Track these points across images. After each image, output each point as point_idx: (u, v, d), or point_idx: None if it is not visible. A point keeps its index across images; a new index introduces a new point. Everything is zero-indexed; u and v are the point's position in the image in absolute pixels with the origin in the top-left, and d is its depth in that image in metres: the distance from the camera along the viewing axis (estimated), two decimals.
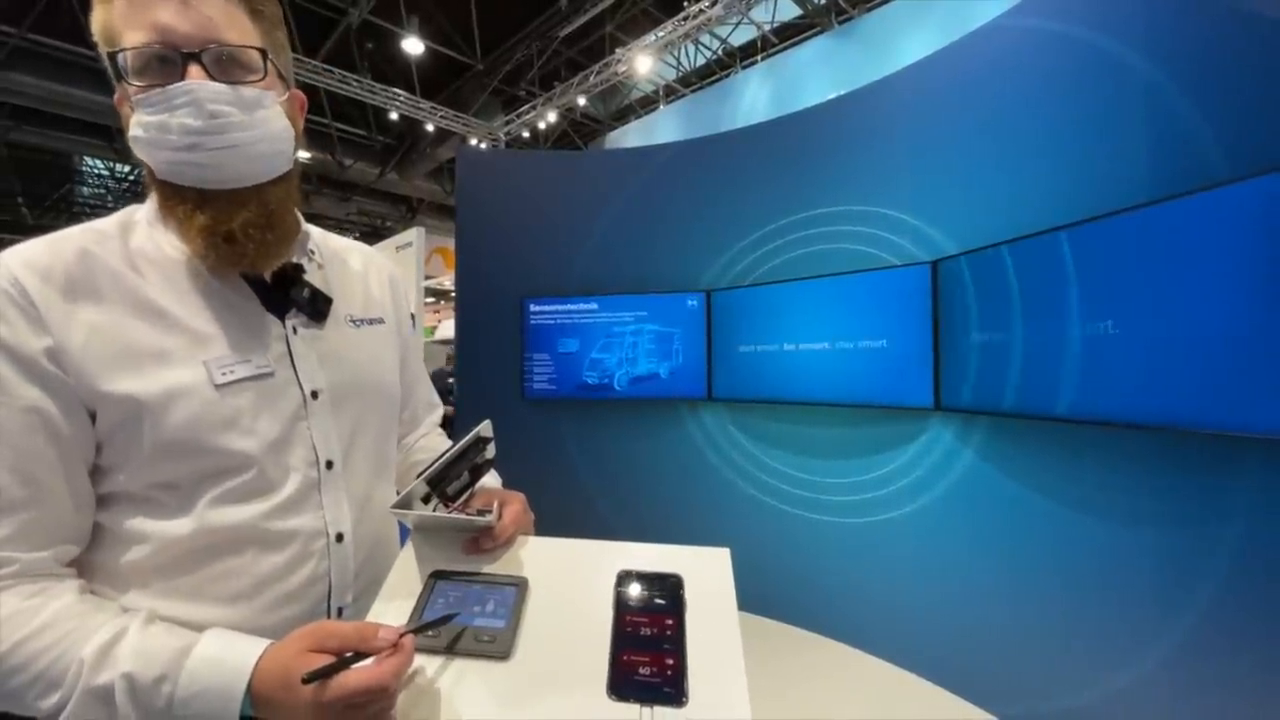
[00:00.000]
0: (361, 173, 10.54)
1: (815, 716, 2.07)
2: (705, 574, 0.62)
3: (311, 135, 9.51)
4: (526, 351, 3.18)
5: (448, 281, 9.50)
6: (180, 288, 0.62)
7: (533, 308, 3.17)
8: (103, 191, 11.86)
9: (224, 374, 0.60)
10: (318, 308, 0.70)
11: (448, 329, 6.78)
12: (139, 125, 0.57)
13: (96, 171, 11.23)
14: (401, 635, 0.51)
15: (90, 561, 0.59)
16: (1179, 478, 1.54)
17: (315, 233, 0.78)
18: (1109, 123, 1.71)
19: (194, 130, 0.56)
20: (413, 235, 5.70)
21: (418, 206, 12.38)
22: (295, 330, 0.68)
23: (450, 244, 3.49)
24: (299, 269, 0.70)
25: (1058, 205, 1.81)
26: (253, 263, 0.63)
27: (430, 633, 0.56)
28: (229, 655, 0.51)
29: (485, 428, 0.68)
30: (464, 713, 0.51)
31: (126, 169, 10.70)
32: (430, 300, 11.97)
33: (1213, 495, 1.47)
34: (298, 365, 0.67)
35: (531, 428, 3.16)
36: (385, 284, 0.84)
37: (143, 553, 0.58)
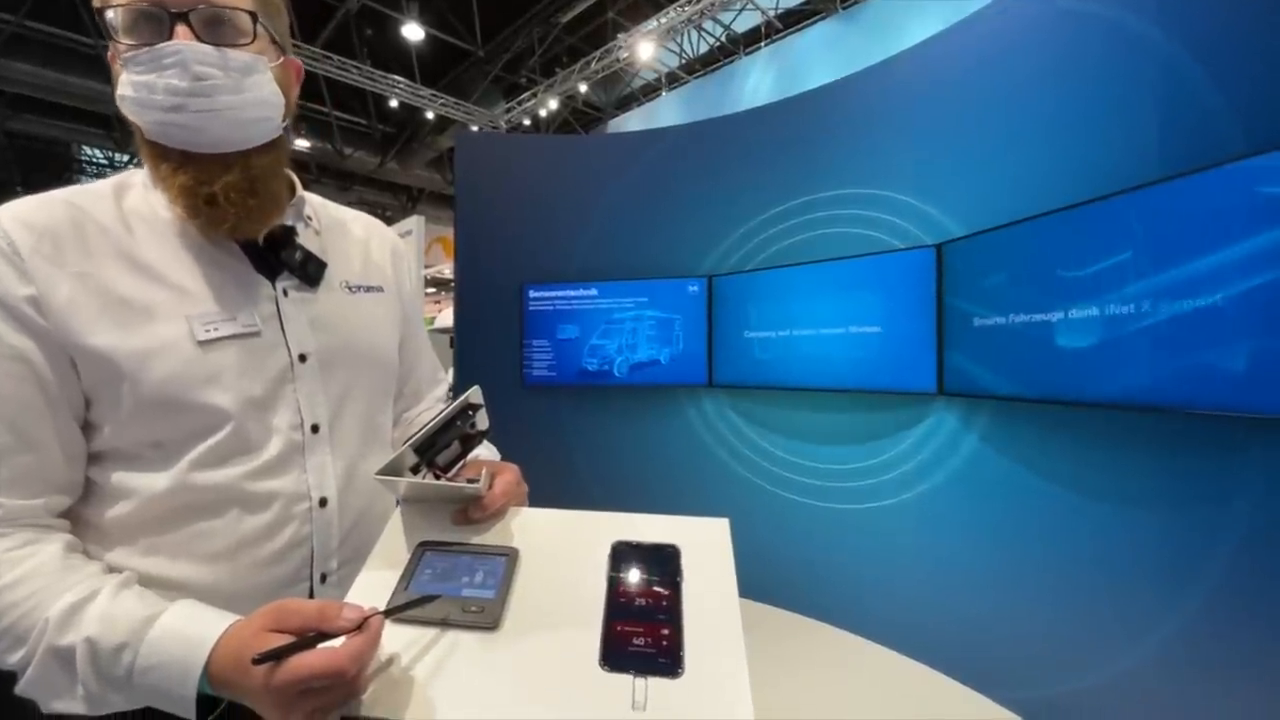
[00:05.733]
0: (361, 162, 10.48)
1: (815, 702, 2.06)
2: (703, 545, 0.59)
3: (311, 124, 9.45)
4: (526, 338, 3.16)
5: (448, 270, 9.47)
6: (170, 246, 0.61)
7: (532, 294, 3.15)
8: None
9: (207, 330, 0.59)
10: (309, 271, 0.69)
11: (447, 318, 6.76)
12: (127, 84, 0.57)
13: (95, 160, 11.19)
14: (368, 616, 0.48)
15: (80, 516, 0.59)
16: (1186, 460, 1.52)
17: (314, 200, 0.77)
18: (1118, 99, 1.67)
19: (179, 91, 0.56)
20: (413, 224, 5.66)
21: (418, 196, 12.33)
22: (286, 293, 0.67)
23: (450, 233, 3.47)
24: (290, 231, 0.69)
25: (1065, 185, 1.77)
26: (234, 227, 0.62)
27: (403, 585, 0.54)
28: (191, 629, 0.49)
29: (474, 394, 0.65)
30: (450, 683, 0.48)
31: (126, 158, 10.65)
32: (431, 291, 11.95)
33: (1220, 477, 1.45)
34: (286, 327, 0.65)
35: (531, 415, 3.14)
36: (387, 253, 0.83)
37: (127, 508, 0.57)
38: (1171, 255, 1.44)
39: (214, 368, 0.59)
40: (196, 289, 0.60)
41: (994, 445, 2.07)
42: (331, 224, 0.77)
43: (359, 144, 10.30)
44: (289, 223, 0.69)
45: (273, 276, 0.66)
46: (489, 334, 3.19)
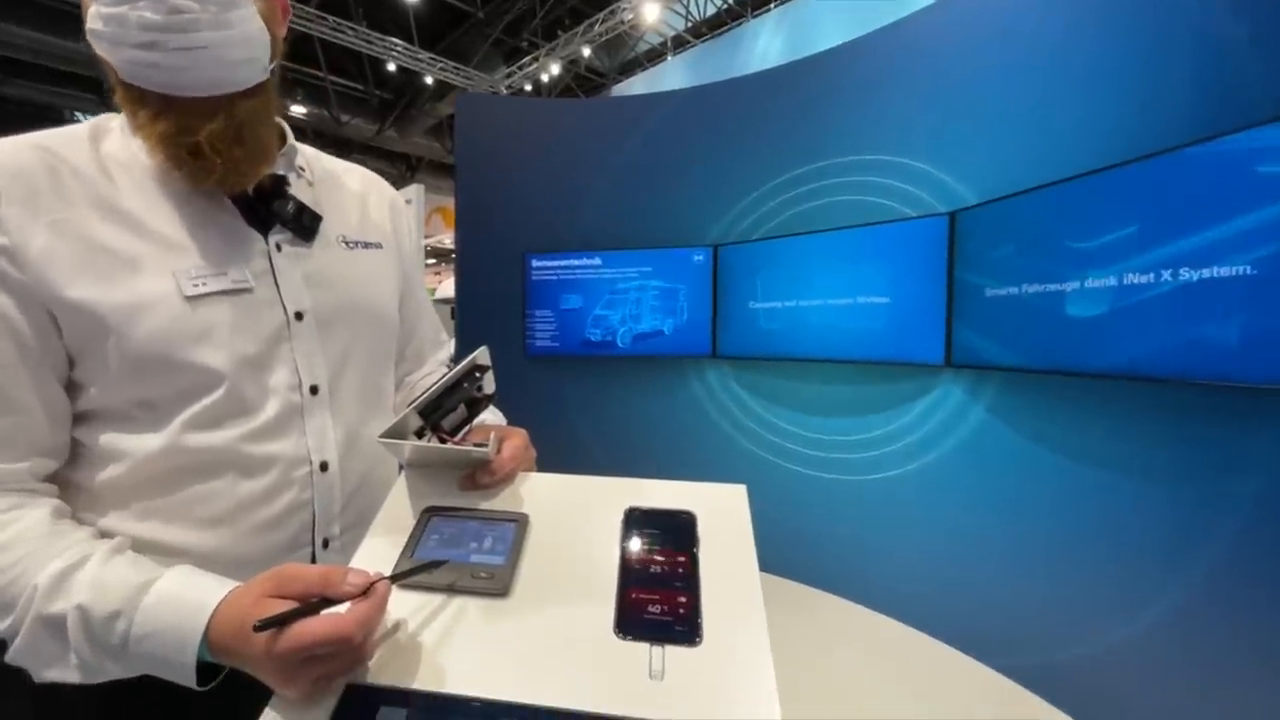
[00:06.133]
0: (359, 129, 10.30)
1: (816, 670, 2.08)
2: (720, 511, 0.57)
3: (307, 89, 9.25)
4: (529, 308, 3.12)
5: (448, 240, 9.37)
6: (153, 195, 0.57)
7: (535, 263, 3.10)
8: None
9: (195, 285, 0.56)
10: (304, 224, 0.65)
11: (448, 288, 6.71)
12: (96, 17, 0.51)
13: None
14: (375, 581, 0.46)
15: (70, 480, 0.57)
16: (1195, 431, 1.50)
17: (307, 150, 0.73)
18: (1146, 58, 1.60)
19: (153, 26, 0.50)
20: (412, 192, 5.57)
21: (417, 165, 12.15)
22: (279, 247, 0.63)
23: (450, 203, 3.40)
24: (282, 181, 0.65)
25: (1086, 150, 1.72)
26: (221, 180, 0.58)
27: (409, 552, 0.52)
28: (190, 594, 0.47)
29: (482, 354, 0.62)
30: (459, 651, 0.47)
31: None
32: (431, 262, 11.84)
33: (1229, 449, 1.43)
34: (280, 283, 0.62)
35: (533, 385, 3.13)
36: (385, 209, 0.79)
37: (118, 471, 0.55)
38: (1195, 222, 1.40)
39: (204, 325, 0.56)
40: (182, 242, 0.57)
41: (1001, 417, 2.05)
42: (325, 176, 0.73)
43: (356, 110, 10.10)
44: (280, 173, 0.65)
45: (264, 230, 0.63)
46: (491, 304, 3.15)
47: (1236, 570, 1.42)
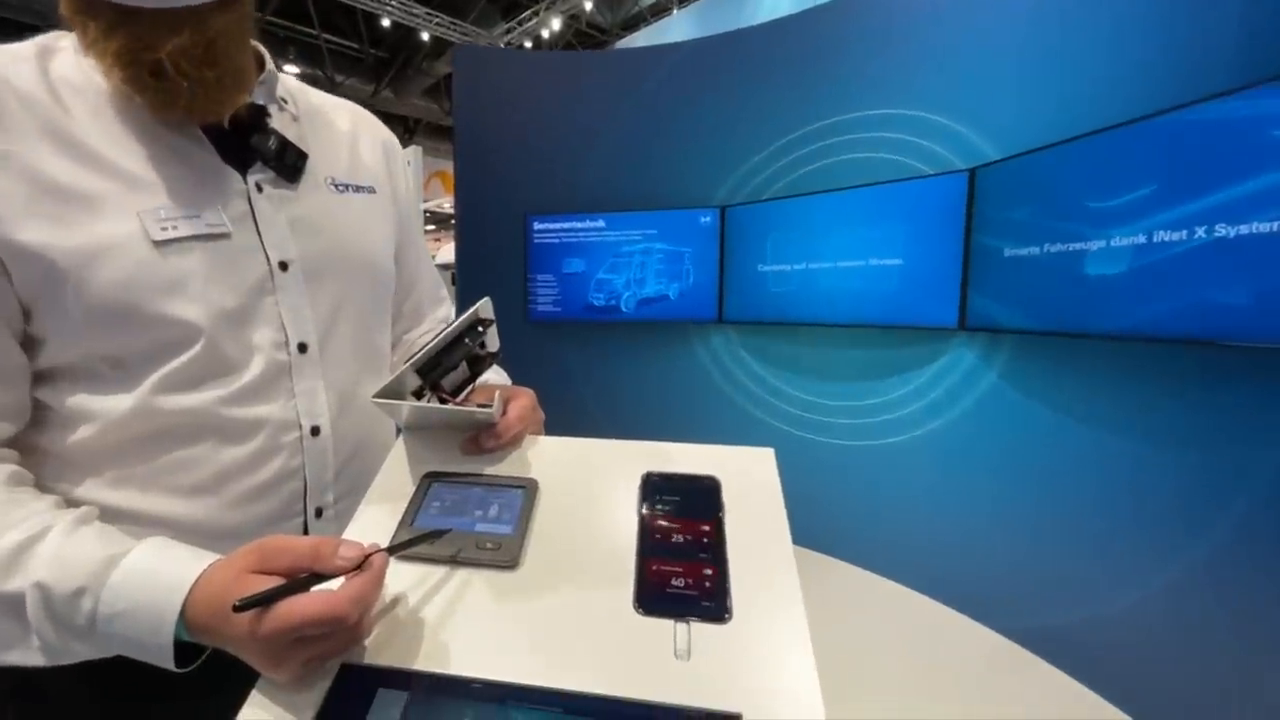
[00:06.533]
0: (354, 90, 10.00)
1: (823, 636, 2.08)
2: (747, 476, 0.53)
3: (299, 47, 8.96)
4: (530, 272, 3.06)
5: (447, 205, 9.19)
6: (112, 125, 0.50)
7: (537, 225, 3.02)
8: None
9: (164, 229, 0.50)
10: (288, 163, 0.58)
11: (448, 253, 6.60)
12: None
13: None
14: (370, 555, 0.41)
15: (36, 445, 0.51)
16: (1222, 395, 1.45)
17: (290, 81, 0.65)
18: (1179, 1, 1.50)
19: None
20: (410, 154, 5.43)
21: (415, 127, 11.86)
22: (260, 188, 0.57)
23: (450, 167, 3.30)
24: (261, 113, 0.58)
25: (1115, 101, 1.62)
26: (189, 106, 0.50)
27: (409, 521, 0.48)
28: (163, 569, 0.42)
29: (484, 307, 0.57)
30: (464, 628, 0.43)
31: None
32: (430, 229, 11.66)
33: (1256, 415, 1.39)
34: (262, 229, 0.56)
35: (535, 351, 3.08)
36: (379, 150, 0.72)
37: (88, 433, 0.50)
38: (1228, 175, 1.33)
39: (176, 274, 0.50)
40: (148, 178, 0.50)
41: (1013, 382, 2.01)
42: (311, 112, 0.66)
43: (351, 70, 9.80)
44: (259, 103, 0.58)
45: (243, 169, 0.56)
46: (492, 268, 3.08)
47: (1255, 540, 1.39)
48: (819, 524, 2.59)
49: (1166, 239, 1.46)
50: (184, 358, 0.51)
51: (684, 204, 2.81)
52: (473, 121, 3.06)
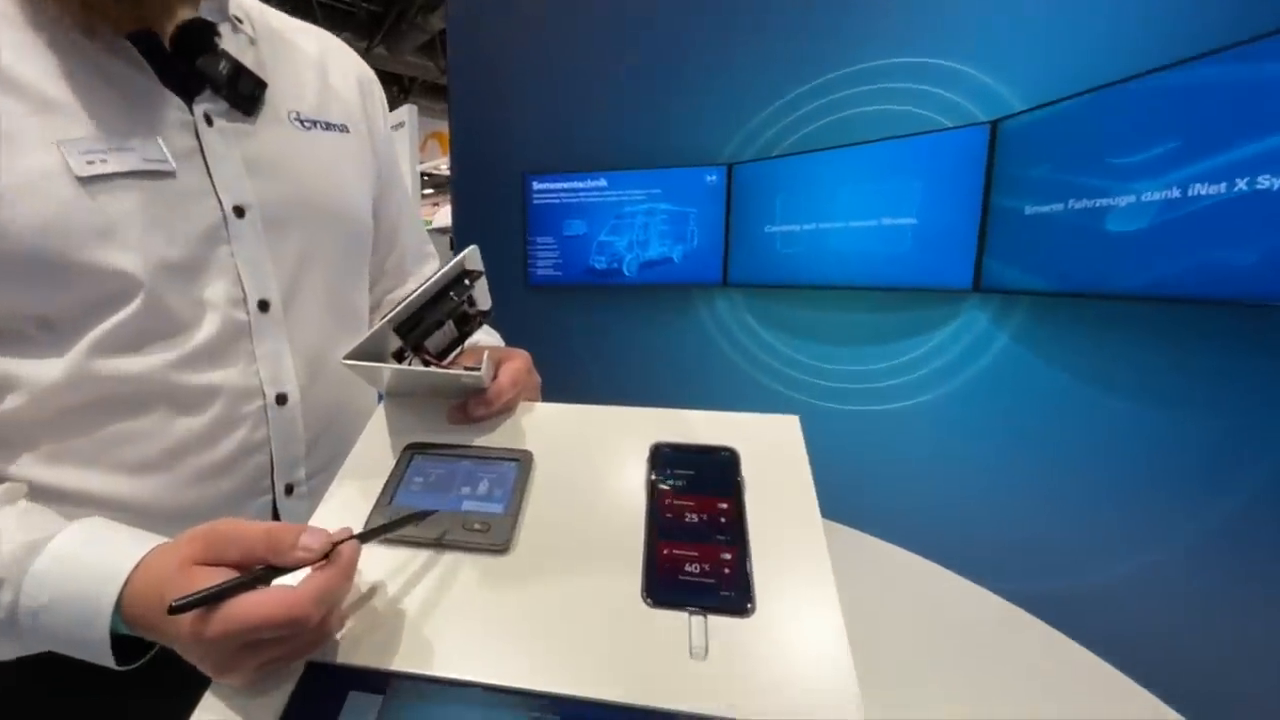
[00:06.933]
0: None
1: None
2: (768, 447, 0.47)
3: (284, 2, 8.63)
4: (530, 235, 2.97)
5: (444, 167, 8.98)
6: (23, 38, 0.43)
7: (536, 185, 2.92)
8: None
9: (90, 162, 0.42)
10: (242, 91, 0.50)
11: (445, 217, 6.46)
12: None
13: None
14: (338, 543, 0.35)
15: None
16: (1248, 358, 1.39)
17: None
18: None
19: None
20: (404, 113, 5.25)
21: (410, 86, 11.52)
22: (209, 120, 0.49)
23: (447, 127, 3.18)
24: (210, 30, 0.49)
25: (1156, 43, 1.51)
26: (118, 18, 0.43)
27: (387, 499, 0.43)
28: (95, 557, 0.37)
29: (471, 256, 0.50)
30: (449, 622, 0.37)
31: None
32: (428, 193, 11.43)
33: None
34: (213, 167, 0.49)
35: (534, 317, 3.01)
36: (352, 82, 0.64)
37: (17, 404, 0.44)
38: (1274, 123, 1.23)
39: (107, 217, 0.43)
40: (69, 104, 0.43)
41: (1027, 345, 1.95)
42: (271, 35, 0.57)
43: (342, 25, 9.46)
44: (207, 18, 0.50)
45: (188, 97, 0.48)
46: (490, 231, 2.99)
47: (1277, 506, 1.34)
48: (823, 490, 2.55)
49: (1203, 192, 1.37)
50: (121, 315, 0.44)
51: (689, 162, 2.70)
52: (468, 76, 2.93)
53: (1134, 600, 1.65)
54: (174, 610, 0.31)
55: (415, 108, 5.49)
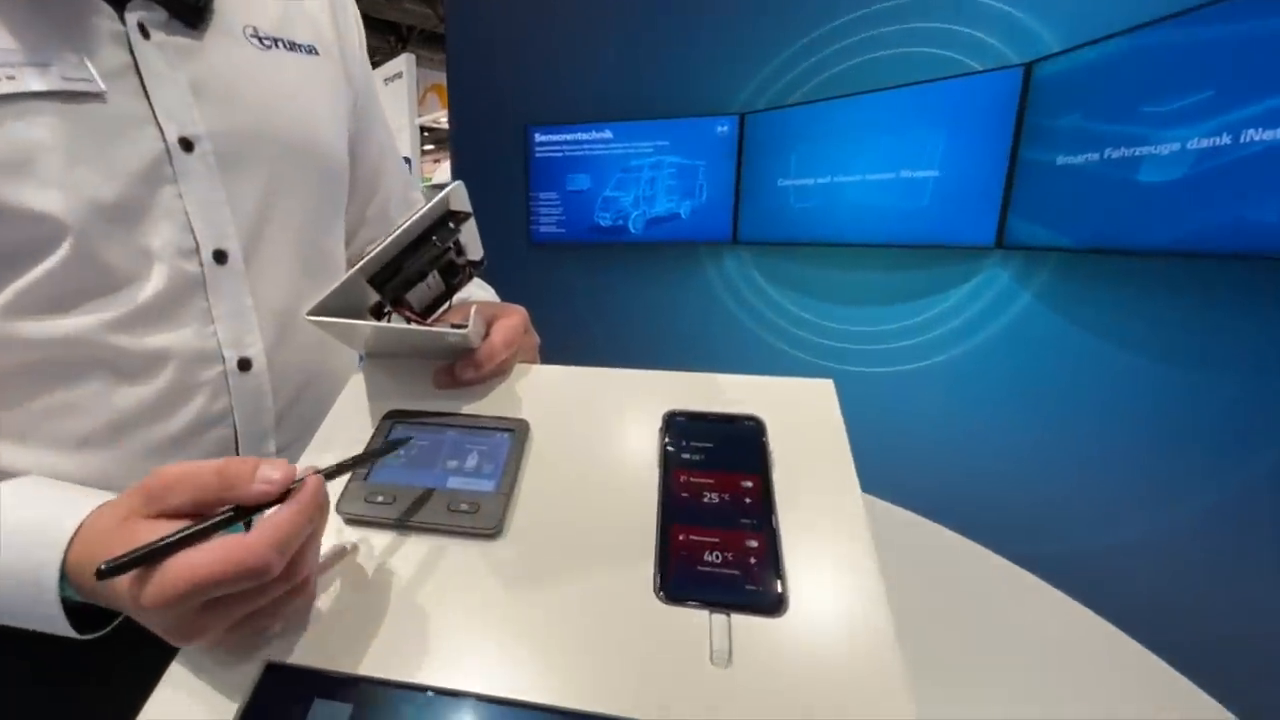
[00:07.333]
0: None
1: None
2: (800, 415, 0.41)
3: None
4: (532, 190, 2.87)
5: (444, 119, 8.73)
6: None
7: (538, 137, 2.80)
8: None
9: None
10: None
11: (444, 173, 6.29)
12: None
13: None
14: (302, 478, 0.30)
15: None
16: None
17: None
18: None
19: None
20: (402, 64, 5.06)
21: (408, 36, 11.12)
22: (146, 32, 0.41)
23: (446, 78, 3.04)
24: None
25: None
26: None
27: (362, 475, 0.37)
28: (34, 516, 0.32)
29: (456, 194, 0.43)
30: (428, 621, 0.32)
31: None
32: (429, 149, 11.15)
33: None
34: (151, 90, 0.41)
35: (537, 275, 2.94)
36: (324, 0, 0.55)
37: None
38: None
39: (19, 146, 0.36)
40: None
41: (1050, 304, 1.87)
42: None
43: None
44: None
45: (120, 3, 0.41)
46: (491, 186, 2.89)
47: None
48: None
49: (1256, 138, 1.27)
50: (45, 266, 0.37)
51: (699, 111, 2.57)
52: (467, 20, 2.78)
53: (1149, 565, 1.62)
54: (102, 575, 0.25)
55: (413, 58, 5.26)
